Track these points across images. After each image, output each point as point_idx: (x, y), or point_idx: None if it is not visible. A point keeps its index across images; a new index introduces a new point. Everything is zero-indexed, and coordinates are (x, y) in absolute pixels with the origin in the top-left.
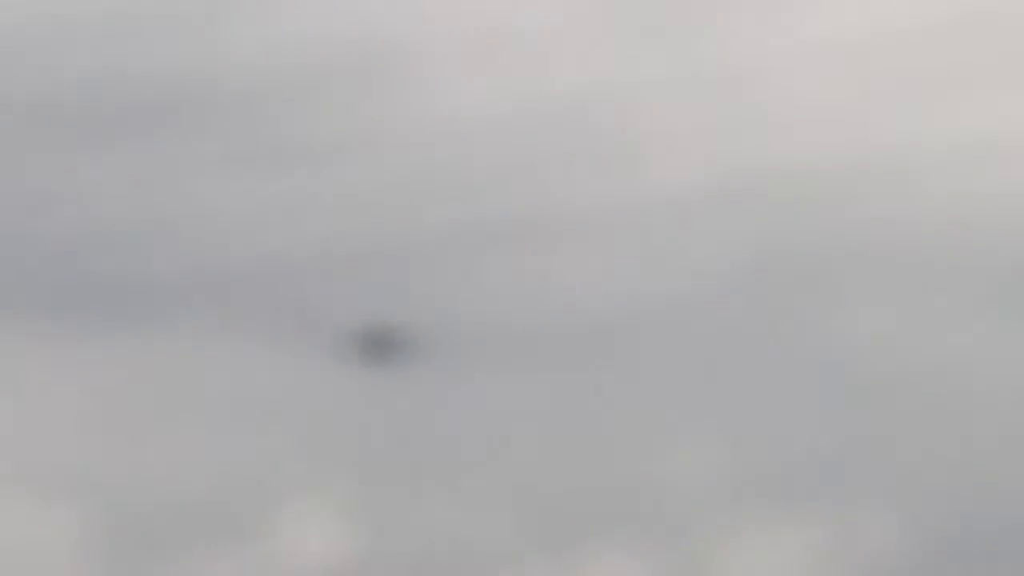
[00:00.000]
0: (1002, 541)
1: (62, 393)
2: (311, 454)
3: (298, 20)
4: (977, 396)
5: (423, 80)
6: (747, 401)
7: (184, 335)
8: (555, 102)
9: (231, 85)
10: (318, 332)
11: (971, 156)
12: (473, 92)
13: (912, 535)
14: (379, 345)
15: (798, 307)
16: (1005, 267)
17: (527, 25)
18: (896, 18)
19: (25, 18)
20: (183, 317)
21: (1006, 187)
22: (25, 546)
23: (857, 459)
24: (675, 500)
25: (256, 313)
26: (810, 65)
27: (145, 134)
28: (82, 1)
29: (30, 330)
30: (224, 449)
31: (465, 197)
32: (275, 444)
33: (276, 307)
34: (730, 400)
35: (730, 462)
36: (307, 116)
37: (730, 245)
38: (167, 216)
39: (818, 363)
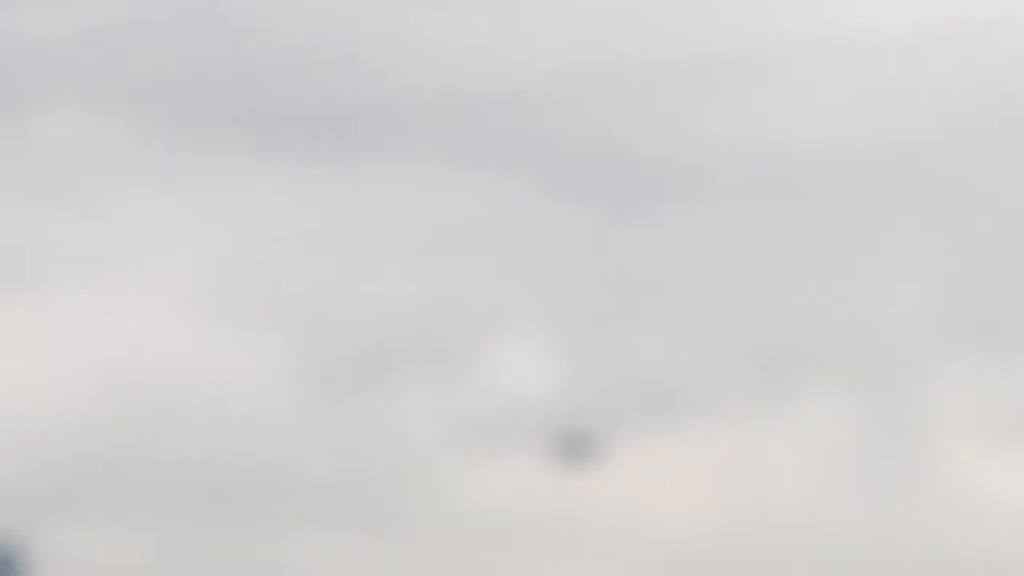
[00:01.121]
0: None
1: (272, 223)
2: (520, 284)
3: None
4: None
5: None
6: (960, 242)
7: (394, 166)
8: None
9: None
10: (533, 164)
11: None
12: None
13: None
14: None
15: (1017, 152)
16: None
17: None
18: None
19: None
20: (393, 148)
21: None
22: (240, 371)
23: None
24: (884, 337)
25: (468, 144)
26: None
27: None
28: None
29: (238, 163)
30: (434, 277)
31: (687, 29)
32: (485, 273)
33: (487, 137)
34: (943, 241)
35: (939, 300)
36: None
37: (956, 87)
38: (380, 48)
39: None
